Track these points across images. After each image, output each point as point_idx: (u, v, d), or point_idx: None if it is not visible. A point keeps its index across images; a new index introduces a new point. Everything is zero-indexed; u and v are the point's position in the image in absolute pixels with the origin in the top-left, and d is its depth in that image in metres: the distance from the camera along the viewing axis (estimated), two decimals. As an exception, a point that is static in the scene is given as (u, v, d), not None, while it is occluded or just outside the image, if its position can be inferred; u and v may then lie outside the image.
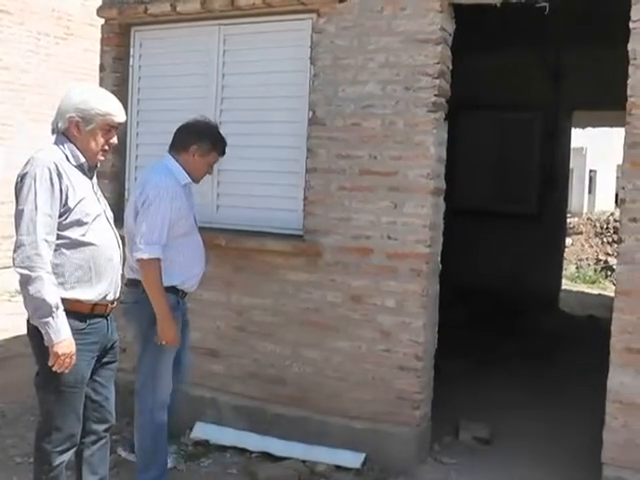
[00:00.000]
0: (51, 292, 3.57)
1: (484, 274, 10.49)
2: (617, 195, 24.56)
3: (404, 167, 5.04)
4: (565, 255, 16.05)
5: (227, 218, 5.82)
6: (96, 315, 3.85)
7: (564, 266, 15.51)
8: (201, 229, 5.61)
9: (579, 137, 15.88)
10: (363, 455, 5.16)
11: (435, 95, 4.96)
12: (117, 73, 6.19)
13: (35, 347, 3.77)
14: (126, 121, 5.73)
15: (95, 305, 3.82)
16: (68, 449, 3.88)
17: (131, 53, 6.21)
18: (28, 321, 3.76)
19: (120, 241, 4.01)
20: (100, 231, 3.83)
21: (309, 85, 5.38)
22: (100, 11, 6.16)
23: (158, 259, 4.54)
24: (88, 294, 3.77)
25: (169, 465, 5.08)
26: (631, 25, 4.50)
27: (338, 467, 5.14)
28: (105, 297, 3.85)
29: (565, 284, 14.17)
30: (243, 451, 5.46)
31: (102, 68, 6.25)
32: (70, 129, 3.78)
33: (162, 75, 6.10)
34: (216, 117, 5.76)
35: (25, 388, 6.60)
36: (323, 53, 5.29)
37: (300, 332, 5.44)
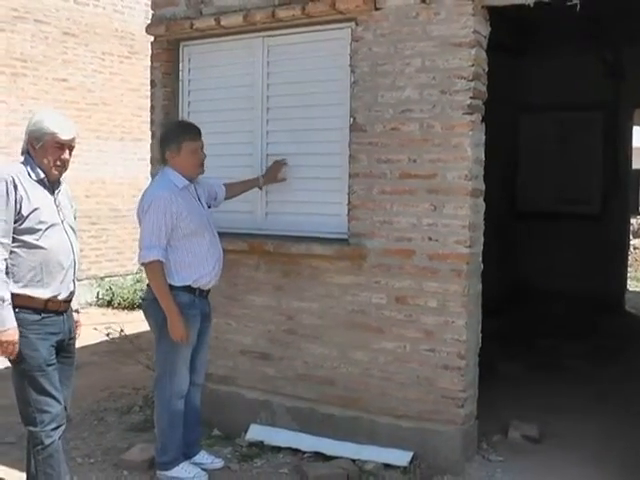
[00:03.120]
0: (1, 287, 4.04)
1: (548, 276, 10.45)
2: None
3: (443, 169, 5.11)
4: (635, 257, 15.82)
5: (275, 225, 5.98)
6: (50, 310, 4.28)
7: (634, 268, 15.31)
8: (250, 235, 5.86)
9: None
10: (411, 453, 5.22)
11: (471, 97, 5.02)
12: (167, 88, 6.40)
13: None
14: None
15: (47, 302, 4.25)
16: (55, 428, 4.29)
17: (180, 68, 6.42)
18: None
19: (75, 247, 4.41)
20: (54, 238, 4.27)
21: (349, 92, 5.50)
22: (149, 28, 6.41)
23: (159, 261, 4.90)
24: (39, 293, 4.22)
25: (220, 465, 5.37)
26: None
27: (386, 465, 5.21)
28: (57, 296, 4.29)
29: (635, 286, 13.97)
30: (296, 451, 5.58)
31: (153, 84, 6.48)
32: (29, 148, 4.30)
33: (210, 88, 6.30)
34: (263, 126, 5.97)
35: (90, 395, 6.90)
36: (362, 60, 5.40)
37: (347, 334, 5.55)
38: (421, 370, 5.26)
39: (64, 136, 4.29)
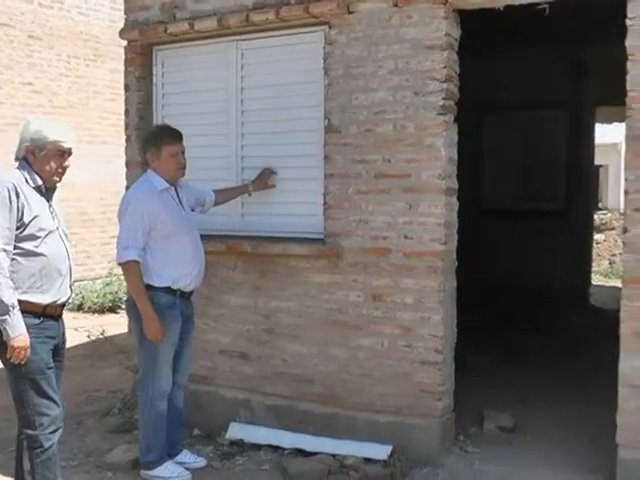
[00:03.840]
0: (8, 294, 4.07)
1: (513, 272, 10.60)
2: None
3: (417, 169, 5.23)
4: (598, 251, 16.10)
5: (252, 225, 6.06)
6: (48, 315, 4.34)
7: (597, 262, 15.58)
8: (228, 237, 5.92)
9: (614, 133, 15.83)
10: (390, 447, 5.33)
11: (443, 99, 5.14)
12: (141, 92, 6.46)
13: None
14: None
15: (46, 307, 4.31)
16: (54, 431, 4.36)
17: (154, 72, 6.48)
18: None
19: (70, 253, 4.48)
20: (52, 245, 4.33)
21: (323, 94, 5.60)
22: (122, 33, 6.45)
23: (135, 261, 4.98)
24: (39, 298, 4.27)
25: (203, 464, 5.46)
26: (628, 22, 4.65)
27: (366, 459, 5.31)
28: (55, 301, 4.36)
29: (598, 280, 14.22)
30: (276, 448, 5.67)
31: (127, 88, 6.53)
32: (28, 156, 4.32)
33: (185, 91, 6.36)
34: (238, 129, 6.05)
35: (67, 398, 6.86)
36: (335, 63, 5.50)
37: (325, 332, 5.65)
38: (399, 366, 5.37)
39: (67, 144, 4.36)
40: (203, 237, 5.50)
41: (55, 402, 4.36)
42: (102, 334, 8.15)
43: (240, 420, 5.99)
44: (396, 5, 5.23)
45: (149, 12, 6.33)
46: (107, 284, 12.38)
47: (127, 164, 6.57)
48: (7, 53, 11.70)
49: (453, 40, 5.22)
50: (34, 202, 4.26)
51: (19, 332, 4.11)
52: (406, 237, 5.29)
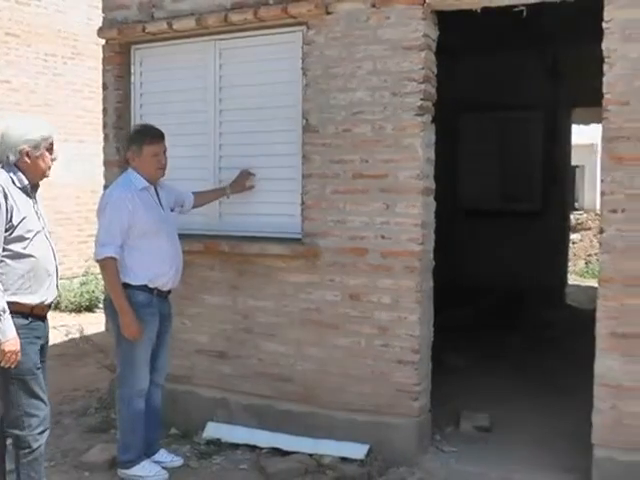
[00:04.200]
0: None
1: (490, 272, 10.66)
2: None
3: (394, 169, 5.26)
4: (574, 251, 16.20)
5: (230, 225, 6.07)
6: (35, 315, 4.32)
7: (574, 262, 15.68)
8: (205, 236, 5.92)
9: (590, 134, 15.93)
10: (367, 446, 5.36)
11: (421, 99, 5.17)
12: (119, 90, 6.45)
13: None
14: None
15: (34, 307, 4.30)
16: (43, 431, 4.35)
17: (132, 71, 6.47)
18: None
19: (56, 253, 4.46)
20: (39, 245, 4.31)
21: (302, 94, 5.61)
22: (100, 32, 6.43)
23: (112, 258, 4.99)
24: (28, 299, 4.25)
25: (180, 463, 5.46)
26: (604, 25, 4.70)
27: (343, 459, 5.33)
28: (43, 302, 4.34)
29: (574, 279, 14.31)
30: (254, 448, 5.68)
31: (105, 86, 6.52)
32: (22, 158, 4.27)
33: (163, 91, 6.36)
34: (216, 128, 6.05)
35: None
36: (314, 63, 5.52)
37: (302, 331, 5.66)
38: (376, 365, 5.39)
39: (53, 137, 4.38)
40: (181, 236, 5.50)
41: (44, 402, 4.35)
42: (81, 332, 8.12)
43: (218, 419, 5.99)
44: (374, 6, 5.26)
45: (127, 11, 6.32)
46: (84, 283, 12.32)
47: (105, 163, 6.56)
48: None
49: (431, 41, 5.25)
50: (21, 203, 4.23)
51: (10, 336, 4.08)
52: (383, 237, 5.31)
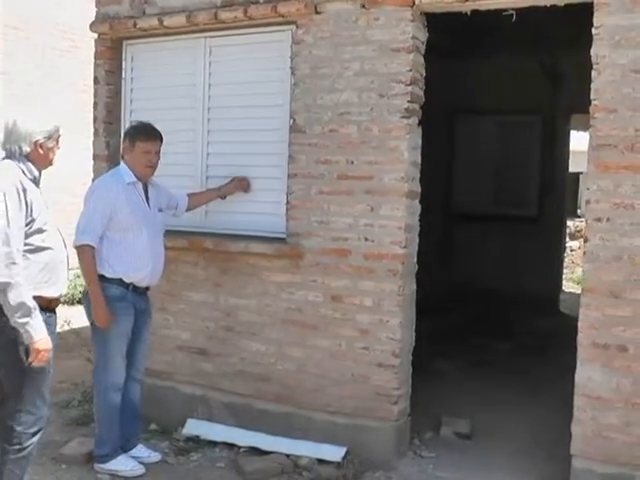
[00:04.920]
0: (28, 296, 3.95)
1: (484, 276, 10.66)
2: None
3: (379, 171, 5.23)
4: (572, 259, 16.13)
5: (215, 223, 6.06)
6: (51, 309, 4.25)
7: (572, 269, 15.61)
8: (191, 233, 5.91)
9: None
10: (344, 449, 5.34)
11: (408, 102, 5.14)
12: (110, 85, 6.45)
13: (1, 345, 4.11)
14: (119, 131, 6.07)
15: (52, 300, 4.23)
16: (37, 431, 4.25)
17: (123, 66, 6.47)
18: None
19: (66, 243, 4.39)
20: (54, 236, 4.25)
21: (289, 94, 5.59)
22: (93, 26, 6.43)
23: (90, 246, 5.02)
24: (48, 292, 4.17)
25: (157, 458, 5.45)
26: (593, 31, 4.67)
27: (320, 460, 5.32)
28: (60, 294, 4.29)
29: (571, 287, 14.24)
30: (232, 446, 5.67)
31: (96, 81, 6.51)
32: (35, 150, 4.19)
33: (153, 86, 6.35)
34: (204, 125, 6.04)
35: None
36: (302, 63, 5.50)
37: (283, 331, 5.65)
38: (356, 368, 5.37)
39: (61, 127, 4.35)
40: (166, 233, 5.51)
41: (46, 402, 4.30)
42: (67, 324, 8.09)
43: (197, 416, 5.98)
44: (363, 7, 5.24)
45: (120, 6, 6.31)
46: (78, 276, 12.26)
47: (94, 157, 6.56)
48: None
49: (420, 43, 5.22)
50: (35, 196, 4.15)
51: (42, 334, 4.01)
52: (366, 239, 5.29)
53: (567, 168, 11.40)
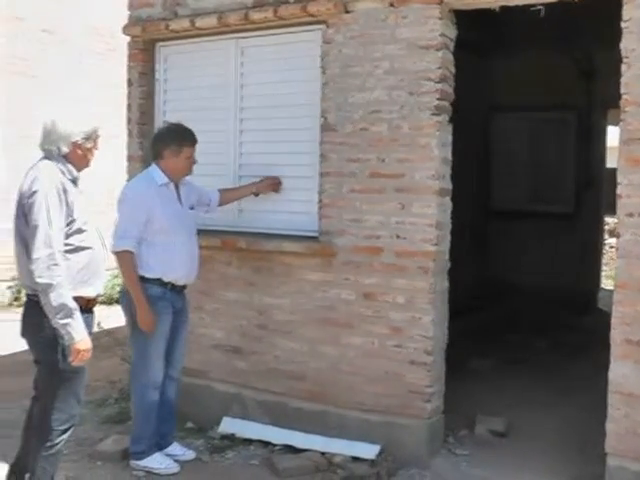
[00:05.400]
0: (69, 296, 4.01)
1: (521, 273, 10.59)
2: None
3: (410, 169, 5.24)
4: (611, 255, 15.95)
5: (248, 222, 6.11)
6: (89, 309, 4.30)
7: (610, 266, 15.44)
8: (224, 232, 5.95)
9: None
10: (378, 447, 5.35)
11: (438, 99, 5.14)
12: (143, 87, 6.54)
13: (38, 342, 4.21)
14: (152, 132, 6.13)
15: (90, 300, 4.28)
16: (68, 429, 4.32)
17: (156, 68, 6.55)
18: (24, 322, 4.27)
19: (104, 242, 4.44)
20: (93, 235, 4.30)
21: (320, 93, 5.62)
22: (126, 29, 6.53)
23: (129, 252, 5.06)
24: (87, 292, 4.23)
25: (192, 456, 5.50)
26: (622, 25, 4.63)
27: (355, 458, 5.33)
28: (98, 294, 4.34)
29: (610, 284, 14.07)
30: (267, 444, 5.70)
31: (129, 83, 6.61)
32: (74, 150, 4.25)
33: (186, 87, 6.42)
34: (236, 126, 6.10)
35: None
36: (332, 62, 5.52)
37: (317, 329, 5.67)
38: (389, 365, 5.37)
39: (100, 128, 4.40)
40: (200, 232, 5.57)
41: (79, 401, 4.37)
42: (98, 325, 8.15)
43: (233, 415, 6.02)
44: (392, 5, 5.25)
45: (152, 9, 6.40)
46: (116, 276, 12.40)
47: (128, 158, 6.66)
48: (21, 46, 11.80)
49: (448, 40, 5.21)
50: (75, 196, 4.21)
51: (83, 334, 4.07)
52: (398, 237, 5.30)
53: (604, 164, 11.28)
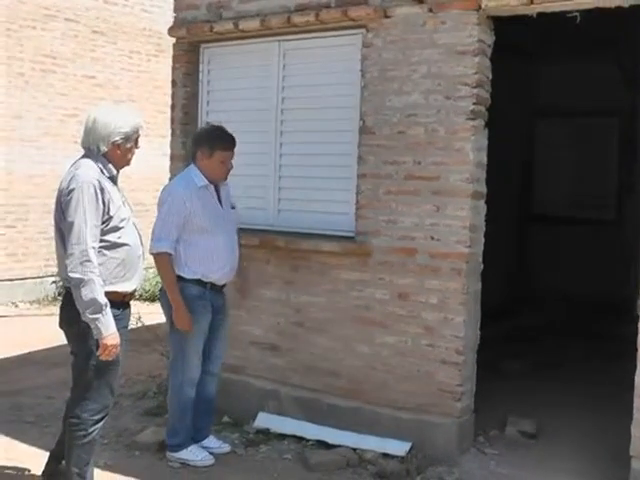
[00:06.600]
0: (101, 292, 4.14)
1: (562, 279, 10.56)
2: None
3: (445, 172, 5.32)
4: (655, 263, 15.81)
5: (287, 221, 6.23)
6: (125, 304, 4.44)
7: (653, 273, 15.31)
8: (262, 231, 6.07)
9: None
10: (409, 444, 5.44)
11: (474, 104, 5.22)
12: (187, 88, 6.68)
13: (75, 335, 4.37)
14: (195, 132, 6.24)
15: (126, 295, 4.42)
16: (102, 419, 4.46)
17: (200, 69, 6.69)
18: (61, 314, 4.46)
19: (142, 239, 4.56)
20: (131, 232, 4.43)
21: (359, 96, 5.73)
22: (171, 31, 6.69)
23: (167, 254, 5.14)
24: (123, 287, 4.37)
25: (227, 450, 5.63)
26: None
27: (385, 455, 5.43)
28: (135, 289, 4.48)
29: (652, 291, 13.98)
30: (300, 439, 5.82)
31: (174, 84, 6.77)
32: (112, 149, 4.37)
33: (229, 89, 6.57)
34: (277, 128, 6.23)
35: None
36: (372, 65, 5.63)
37: (351, 328, 5.77)
38: (421, 364, 5.47)
39: (141, 128, 4.52)
40: (240, 230, 5.69)
41: (112, 392, 4.50)
42: (139, 320, 8.32)
43: (268, 410, 6.14)
44: (430, 11, 5.34)
45: (197, 11, 6.54)
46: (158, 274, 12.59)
47: (171, 157, 6.81)
48: (71, 47, 12.08)
49: (486, 46, 5.29)
50: (114, 193, 4.34)
51: (112, 330, 4.19)
52: (432, 238, 5.38)
53: (647, 170, 11.22)
